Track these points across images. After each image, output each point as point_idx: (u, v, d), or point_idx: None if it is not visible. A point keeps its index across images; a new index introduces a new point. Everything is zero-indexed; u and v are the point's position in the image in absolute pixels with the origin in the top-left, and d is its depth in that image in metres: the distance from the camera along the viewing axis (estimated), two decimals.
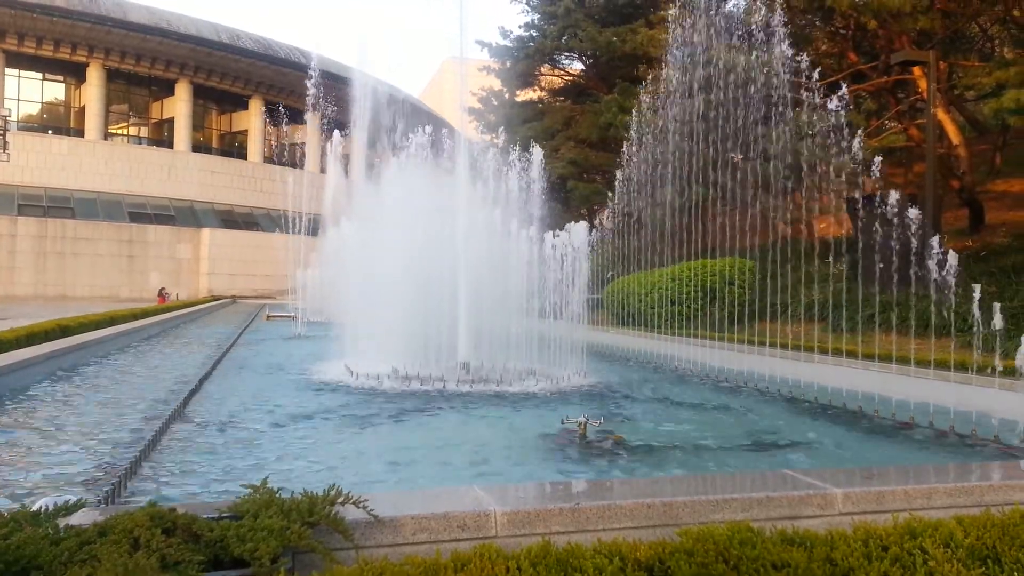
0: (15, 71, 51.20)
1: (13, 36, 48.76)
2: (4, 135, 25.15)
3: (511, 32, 38.59)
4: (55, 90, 54.90)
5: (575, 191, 33.42)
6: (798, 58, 16.89)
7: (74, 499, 3.10)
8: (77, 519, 2.86)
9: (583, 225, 13.23)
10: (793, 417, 8.78)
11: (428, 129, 13.47)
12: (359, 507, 3.02)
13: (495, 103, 40.88)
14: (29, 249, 46.82)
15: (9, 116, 26.87)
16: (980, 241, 17.73)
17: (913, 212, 10.00)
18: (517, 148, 13.71)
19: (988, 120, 27.19)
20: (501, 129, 41.36)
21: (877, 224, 15.80)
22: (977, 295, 8.29)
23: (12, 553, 2.39)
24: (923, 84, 17.14)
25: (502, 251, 12.26)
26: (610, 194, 22.66)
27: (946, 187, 19.42)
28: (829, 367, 10.93)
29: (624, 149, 21.00)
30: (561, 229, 12.54)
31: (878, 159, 11.62)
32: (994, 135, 26.27)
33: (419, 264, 11.83)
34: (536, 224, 12.63)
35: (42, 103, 54.69)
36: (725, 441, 7.09)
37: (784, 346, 12.53)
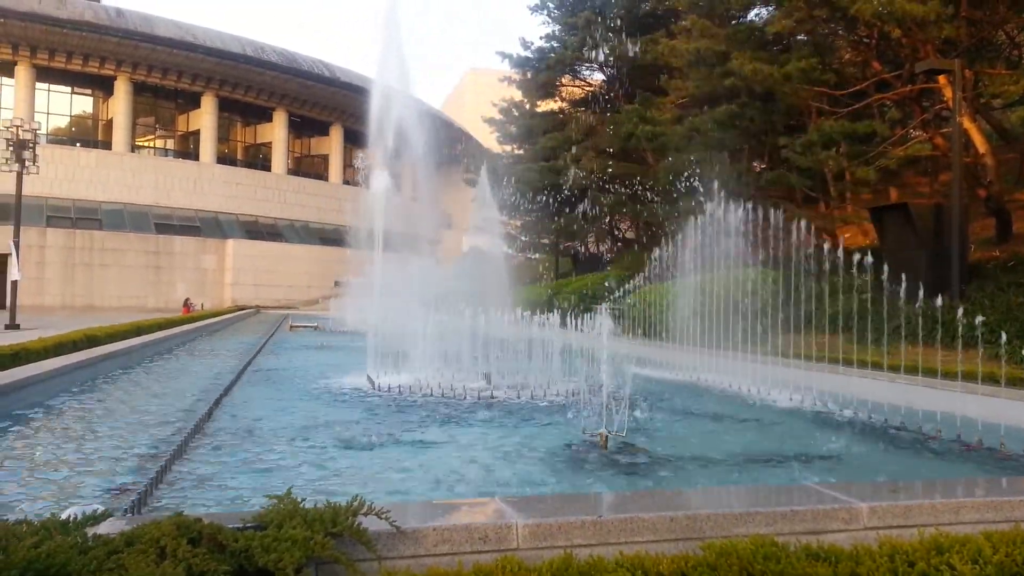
0: (45, 85, 52.18)
1: (44, 51, 49.73)
2: (33, 148, 25.57)
3: (532, 43, 38.75)
4: (83, 103, 55.88)
5: (596, 201, 33.40)
6: (822, 66, 16.78)
7: (101, 508, 3.14)
8: (105, 528, 2.89)
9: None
10: (815, 430, 8.69)
11: (452, 143, 13.55)
12: (381, 518, 3.03)
13: (516, 114, 41.00)
14: (57, 260, 47.58)
15: (38, 129, 27.35)
16: (1008, 251, 17.45)
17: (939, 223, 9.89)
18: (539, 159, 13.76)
19: (1016, 128, 26.82)
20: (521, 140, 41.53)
21: (902, 234, 15.62)
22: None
23: (43, 561, 2.43)
24: (948, 93, 16.95)
25: (523, 264, 12.28)
26: (635, 204, 22.68)
27: (972, 196, 19.17)
28: (854, 379, 10.81)
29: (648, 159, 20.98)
30: (583, 241, 12.54)
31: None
32: (1022, 143, 25.90)
33: (443, 277, 11.89)
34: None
35: (70, 116, 55.66)
36: (745, 453, 7.03)
37: (807, 357, 12.42)
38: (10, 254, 24.82)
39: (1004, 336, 10.35)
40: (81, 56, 50.85)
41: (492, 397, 10.32)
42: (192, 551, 2.60)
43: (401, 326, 12.16)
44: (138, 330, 17.41)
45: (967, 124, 17.42)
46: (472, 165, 42.65)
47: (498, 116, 41.81)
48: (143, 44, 50.64)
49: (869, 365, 11.19)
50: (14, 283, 24.45)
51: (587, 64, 38.01)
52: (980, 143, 18.26)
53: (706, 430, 8.55)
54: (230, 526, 2.82)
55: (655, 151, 29.59)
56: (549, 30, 38.74)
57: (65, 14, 47.83)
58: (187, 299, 46.67)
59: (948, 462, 6.99)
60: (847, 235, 24.34)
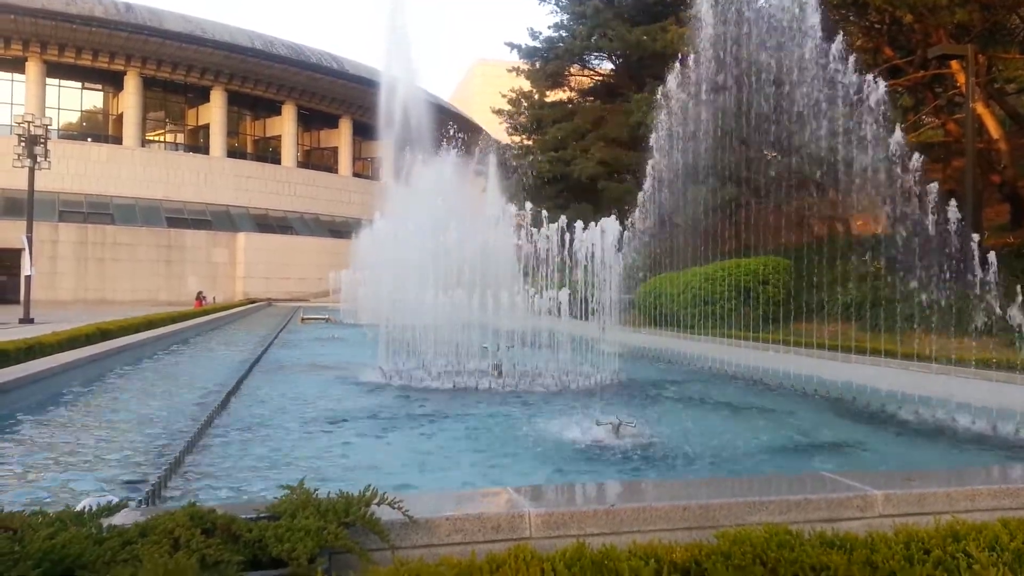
0: (55, 81, 52.44)
1: (54, 47, 49.95)
2: (45, 144, 25.71)
3: (540, 33, 38.64)
4: (94, 99, 56.13)
5: (606, 191, 33.32)
6: (833, 52, 16.60)
7: (116, 499, 3.16)
8: (119, 519, 2.90)
9: (613, 223, 13.07)
10: (829, 418, 8.65)
11: (461, 136, 13.55)
12: (394, 508, 3.03)
13: (525, 104, 40.89)
14: (70, 255, 47.89)
15: (50, 125, 27.48)
16: (1022, 237, 17.31)
17: (952, 208, 9.79)
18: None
19: None
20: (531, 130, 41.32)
21: (915, 221, 15.47)
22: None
23: (58, 552, 2.44)
24: (961, 78, 16.78)
25: (533, 252, 12.29)
26: (641, 191, 22.55)
27: (986, 182, 19.00)
28: (867, 367, 10.76)
29: (652, 144, 20.79)
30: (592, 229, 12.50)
31: (917, 156, 11.38)
32: None
33: (450, 267, 11.90)
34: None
35: (81, 111, 55.94)
36: (760, 442, 7.00)
37: (820, 346, 12.36)
38: (24, 249, 25.01)
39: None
40: (91, 51, 51.05)
41: (503, 387, 10.33)
42: (206, 541, 2.61)
43: (412, 318, 12.17)
44: (150, 324, 17.50)
45: (980, 109, 17.25)
46: (481, 156, 42.61)
47: (507, 107, 41.71)
48: (152, 38, 50.81)
49: (882, 353, 11.12)
50: (28, 278, 24.64)
51: (596, 53, 37.83)
52: (994, 128, 18.08)
53: (717, 418, 8.52)
54: (243, 516, 2.82)
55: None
56: (557, 19, 38.62)
57: (75, 10, 48.04)
58: (200, 292, 46.90)
59: (966, 450, 6.95)
60: (859, 222, 24.19)
